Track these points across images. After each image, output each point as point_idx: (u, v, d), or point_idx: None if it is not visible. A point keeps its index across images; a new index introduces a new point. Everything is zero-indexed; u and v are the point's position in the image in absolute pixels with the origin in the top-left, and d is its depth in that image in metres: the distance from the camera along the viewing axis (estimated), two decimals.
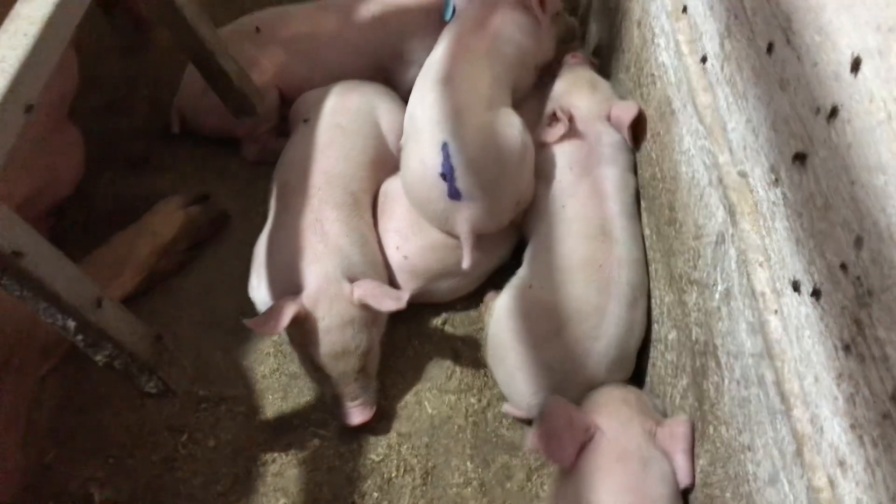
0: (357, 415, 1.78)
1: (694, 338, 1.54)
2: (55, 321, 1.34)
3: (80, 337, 1.38)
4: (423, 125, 1.88)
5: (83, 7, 1.40)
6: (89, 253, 1.92)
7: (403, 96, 2.15)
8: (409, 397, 1.90)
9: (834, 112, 0.99)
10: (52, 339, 1.71)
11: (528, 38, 2.11)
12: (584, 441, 1.55)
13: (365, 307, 1.74)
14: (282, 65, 2.29)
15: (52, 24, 1.29)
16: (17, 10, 1.29)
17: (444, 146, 1.81)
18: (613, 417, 1.58)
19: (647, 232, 1.89)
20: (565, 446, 1.53)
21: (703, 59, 1.58)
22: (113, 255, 1.91)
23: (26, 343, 1.62)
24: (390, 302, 1.72)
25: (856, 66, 0.94)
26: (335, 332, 1.72)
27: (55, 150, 1.90)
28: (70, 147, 2.00)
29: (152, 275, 1.99)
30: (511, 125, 1.90)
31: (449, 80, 1.89)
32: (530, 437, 1.59)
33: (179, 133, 2.35)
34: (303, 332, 1.74)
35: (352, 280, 1.78)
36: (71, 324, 1.35)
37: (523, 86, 2.15)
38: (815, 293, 1.05)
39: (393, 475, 1.77)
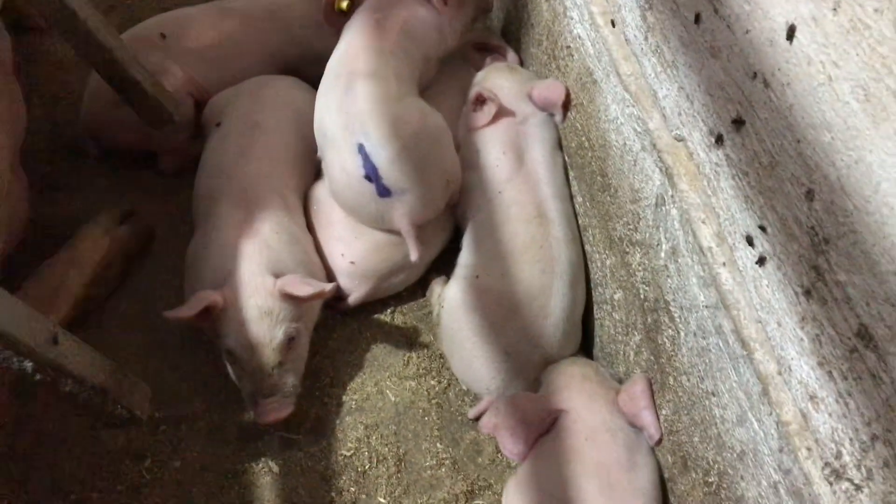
0: (269, 412, 1.73)
1: (643, 296, 1.62)
2: (10, 365, 1.28)
3: (38, 376, 1.32)
4: (334, 132, 1.87)
5: None
6: (14, 285, 1.82)
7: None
8: (370, 388, 1.92)
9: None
10: None
11: (431, 33, 2.10)
12: (546, 426, 1.63)
13: (286, 300, 1.74)
14: (192, 70, 2.22)
15: None
16: None
17: (361, 147, 1.81)
18: (576, 396, 1.66)
19: (579, 199, 1.96)
20: (518, 442, 1.61)
21: (613, 23, 1.65)
22: (44, 287, 1.82)
23: None
24: (309, 287, 1.72)
25: (791, 33, 1.01)
26: (251, 324, 1.71)
27: (17, 198, 1.84)
28: (25, 192, 1.93)
29: (86, 302, 1.91)
30: (418, 110, 1.91)
31: (352, 82, 1.86)
32: (482, 422, 1.68)
33: (90, 151, 2.25)
34: (220, 323, 1.73)
35: (279, 277, 1.77)
36: (28, 365, 1.29)
37: (428, 75, 2.15)
38: (770, 245, 1.14)
39: (366, 467, 1.79)
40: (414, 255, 1.87)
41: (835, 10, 0.92)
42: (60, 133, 2.36)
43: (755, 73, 1.11)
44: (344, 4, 2.12)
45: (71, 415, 1.78)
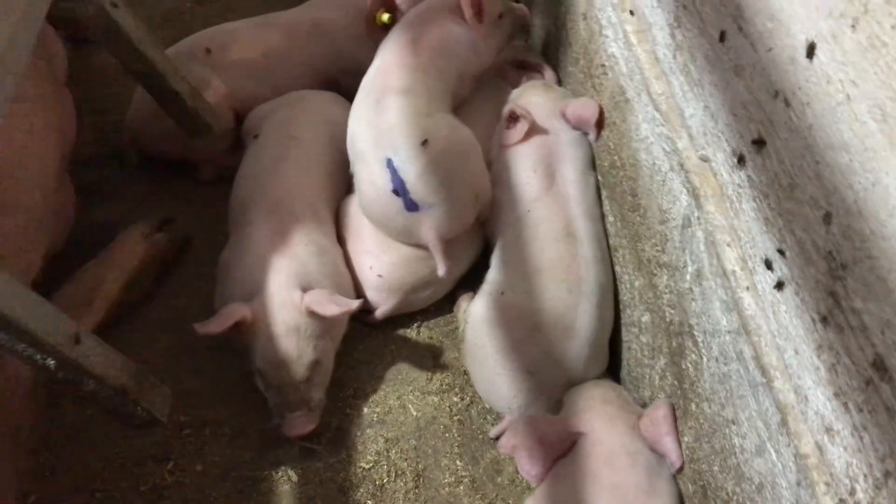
0: (295, 426, 1.74)
1: (668, 319, 1.58)
2: (34, 362, 1.32)
3: (60, 375, 1.36)
4: (364, 146, 1.89)
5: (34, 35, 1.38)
6: (52, 286, 1.89)
7: None
8: (393, 402, 1.91)
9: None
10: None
11: (465, 51, 2.09)
12: (565, 448, 1.60)
13: (313, 316, 1.74)
14: (236, 83, 2.27)
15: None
16: None
17: (389, 162, 1.82)
18: (596, 419, 1.62)
19: (610, 219, 1.93)
20: (536, 464, 1.59)
21: (643, 41, 1.63)
22: (81, 289, 1.87)
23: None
24: (335, 307, 1.72)
25: (811, 50, 0.98)
26: (279, 339, 1.72)
27: (61, 206, 1.91)
28: (69, 199, 2.00)
29: (121, 306, 1.96)
30: (447, 126, 1.92)
31: (383, 97, 1.88)
32: (501, 442, 1.67)
33: (131, 159, 2.33)
34: (249, 337, 1.74)
35: (307, 290, 1.78)
36: (51, 362, 1.33)
37: (463, 92, 2.15)
38: (788, 269, 1.10)
39: (385, 481, 1.78)
40: (441, 270, 1.87)
41: (853, 27, 0.89)
42: (105, 141, 2.43)
43: (776, 92, 1.08)
44: (385, 17, 2.15)
45: (100, 414, 1.82)
